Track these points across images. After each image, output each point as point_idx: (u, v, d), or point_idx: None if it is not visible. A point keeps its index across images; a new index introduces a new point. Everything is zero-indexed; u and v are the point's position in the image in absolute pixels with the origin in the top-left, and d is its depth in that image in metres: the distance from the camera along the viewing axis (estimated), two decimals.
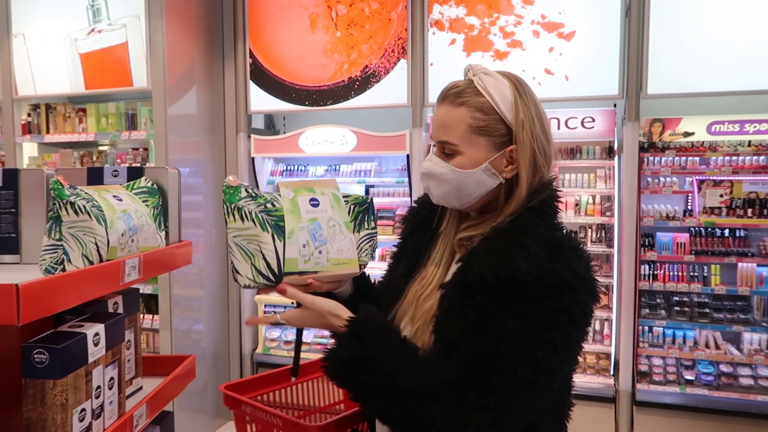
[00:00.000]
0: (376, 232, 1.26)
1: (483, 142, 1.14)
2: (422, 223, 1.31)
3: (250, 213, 1.13)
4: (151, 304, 3.96)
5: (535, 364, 1.00)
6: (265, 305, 4.32)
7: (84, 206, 1.14)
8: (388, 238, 4.05)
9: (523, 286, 1.02)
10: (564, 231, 1.13)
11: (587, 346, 3.78)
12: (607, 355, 3.78)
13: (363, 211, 1.25)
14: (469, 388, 1.00)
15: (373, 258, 1.28)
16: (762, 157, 3.51)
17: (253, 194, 1.16)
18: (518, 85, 1.16)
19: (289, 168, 4.46)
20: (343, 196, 1.24)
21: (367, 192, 4.27)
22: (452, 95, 1.15)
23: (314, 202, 1.19)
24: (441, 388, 1.02)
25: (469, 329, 1.04)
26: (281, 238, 1.13)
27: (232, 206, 1.13)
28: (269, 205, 1.15)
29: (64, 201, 1.13)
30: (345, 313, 1.14)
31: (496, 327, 1.02)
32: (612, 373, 3.73)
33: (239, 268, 1.14)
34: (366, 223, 1.24)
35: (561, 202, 1.18)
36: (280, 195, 1.18)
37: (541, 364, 1.00)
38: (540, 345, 1.00)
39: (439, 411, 1.01)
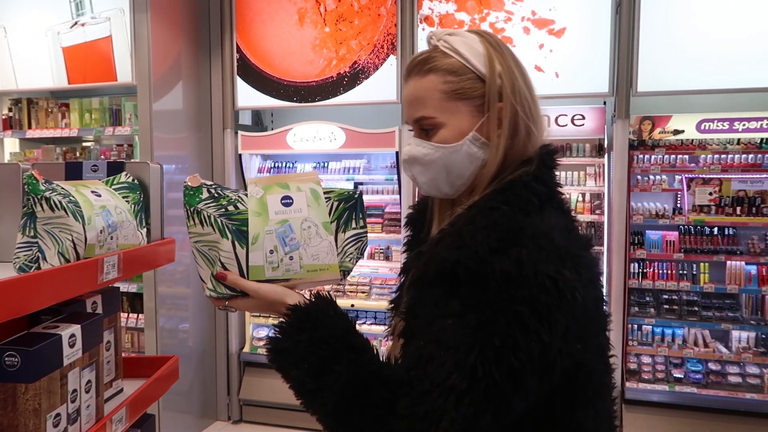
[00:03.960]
0: (366, 232, 1.10)
1: (463, 107, 0.98)
2: (415, 225, 1.19)
3: (209, 217, 1.02)
4: (135, 302, 3.90)
5: (468, 371, 0.83)
6: None
7: (60, 202, 1.09)
8: (377, 236, 4.02)
9: (461, 281, 0.88)
10: (543, 217, 0.92)
11: None
12: None
13: (350, 207, 1.09)
14: (401, 394, 0.88)
15: (361, 257, 1.12)
16: (751, 155, 3.51)
17: (216, 194, 1.05)
18: (489, 38, 1.02)
19: (277, 165, 4.41)
20: (325, 192, 1.09)
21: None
22: (418, 65, 1.01)
23: (287, 201, 1.06)
24: (376, 392, 0.90)
25: (418, 327, 0.94)
26: (243, 244, 1.02)
27: (192, 209, 1.03)
28: (231, 208, 1.04)
29: (39, 196, 1.08)
30: (292, 300, 1.00)
31: (436, 327, 0.89)
32: None
33: (202, 276, 1.04)
34: (354, 221, 1.09)
35: (548, 179, 0.98)
36: (246, 194, 1.06)
37: (477, 372, 0.83)
38: (475, 349, 0.83)
39: (368, 418, 0.90)
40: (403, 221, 1.22)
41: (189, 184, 1.06)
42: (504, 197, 0.94)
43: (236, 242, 1.02)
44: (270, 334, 1.00)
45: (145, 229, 1.37)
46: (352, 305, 3.93)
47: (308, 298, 1.01)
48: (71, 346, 1.04)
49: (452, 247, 0.91)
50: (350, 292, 4.07)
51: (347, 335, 0.95)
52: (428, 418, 0.84)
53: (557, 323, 0.83)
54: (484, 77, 0.98)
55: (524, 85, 1.01)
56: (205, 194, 1.05)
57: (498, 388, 0.83)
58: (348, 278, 1.28)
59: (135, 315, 3.86)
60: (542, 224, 0.90)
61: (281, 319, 0.99)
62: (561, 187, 1.02)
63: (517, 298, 0.83)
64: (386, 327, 1.21)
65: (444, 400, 0.83)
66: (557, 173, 1.01)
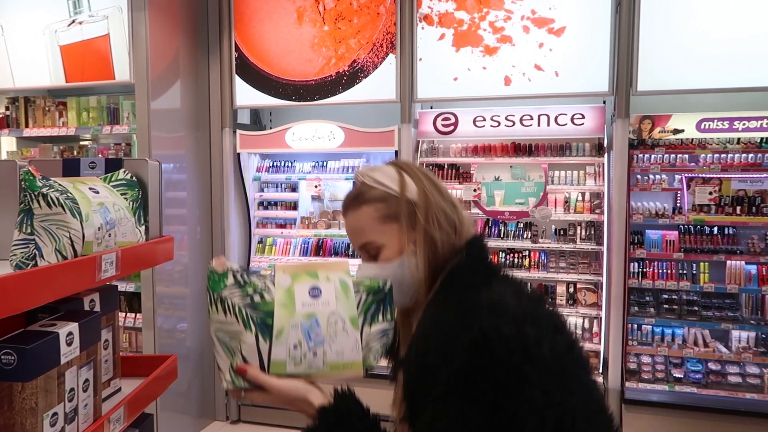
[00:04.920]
0: (392, 328, 1.07)
1: (396, 226, 1.11)
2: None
3: (234, 306, 0.98)
4: (133, 302, 3.88)
5: None
6: None
7: (57, 198, 1.07)
8: None
9: (439, 376, 0.94)
10: (492, 289, 1.01)
11: None
12: (596, 353, 3.76)
13: (378, 300, 1.05)
14: None
15: (384, 354, 1.09)
16: (751, 155, 3.50)
17: (242, 281, 1.01)
18: (401, 165, 1.18)
19: (275, 164, 4.39)
20: (355, 284, 1.05)
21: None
22: (351, 201, 1.16)
23: (315, 292, 1.02)
24: None
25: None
26: (267, 337, 0.98)
27: (215, 295, 0.99)
28: (257, 298, 0.99)
29: (36, 193, 1.06)
30: (317, 398, 1.00)
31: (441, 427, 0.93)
32: (601, 371, 3.72)
33: (221, 365, 1.00)
34: (381, 315, 1.05)
35: (483, 259, 1.09)
36: (273, 282, 1.02)
37: None
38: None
39: None
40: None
41: (215, 268, 1.01)
42: (450, 289, 1.05)
43: (260, 335, 0.98)
44: None
45: (143, 227, 1.36)
46: None
47: (332, 395, 1.01)
48: (68, 344, 1.03)
49: (421, 352, 0.99)
50: None
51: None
52: None
53: (533, 378, 0.88)
54: (403, 197, 1.12)
55: (438, 194, 1.15)
56: (231, 280, 1.00)
57: None
58: None
59: (133, 314, 3.84)
60: (493, 295, 0.98)
61: (309, 422, 1.00)
62: (498, 266, 1.12)
63: (490, 365, 0.88)
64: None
65: None
66: (489, 256, 1.12)
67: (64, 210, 1.08)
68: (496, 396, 0.87)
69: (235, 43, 4.11)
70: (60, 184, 1.12)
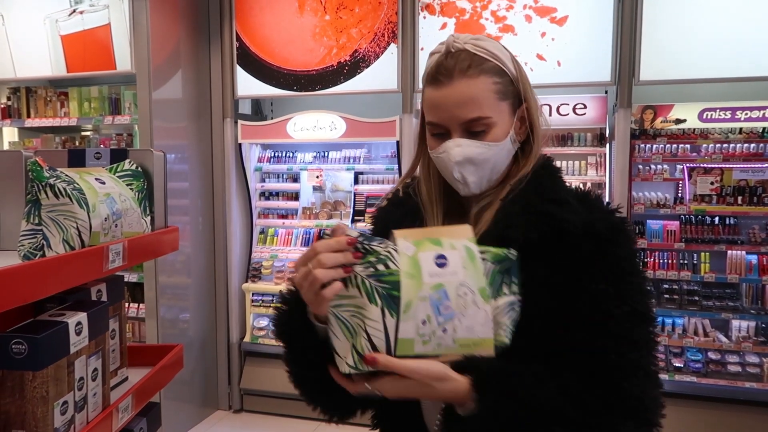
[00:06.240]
0: (519, 300, 0.93)
1: (506, 107, 1.03)
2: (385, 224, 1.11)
3: (356, 277, 0.86)
4: (136, 292, 3.90)
5: (639, 319, 0.93)
6: (253, 294, 4.27)
7: (64, 189, 1.08)
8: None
9: (581, 243, 0.95)
10: (576, 192, 1.04)
11: None
12: None
13: (503, 271, 0.92)
14: (607, 395, 0.89)
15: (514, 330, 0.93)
16: (752, 145, 3.50)
17: (363, 249, 0.88)
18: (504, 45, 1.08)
19: (276, 155, 4.39)
20: (480, 252, 0.91)
21: (356, 179, 4.22)
22: (463, 67, 1.00)
23: (441, 261, 0.89)
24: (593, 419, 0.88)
25: (553, 312, 0.93)
26: (394, 312, 0.85)
27: None
28: (381, 267, 0.86)
29: (43, 183, 1.07)
30: (457, 375, 0.88)
31: (581, 301, 0.93)
32: None
33: (338, 348, 0.88)
34: (506, 287, 0.91)
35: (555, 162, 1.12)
36: (396, 249, 0.89)
37: (636, 316, 0.93)
38: (630, 300, 0.93)
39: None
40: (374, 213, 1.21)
41: (328, 234, 0.90)
42: (550, 172, 1.04)
43: (386, 309, 0.85)
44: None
45: (149, 217, 1.37)
46: None
47: (472, 364, 0.89)
48: (78, 333, 1.04)
49: (564, 211, 0.96)
50: None
51: (541, 382, 0.90)
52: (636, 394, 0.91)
53: (638, 256, 1.08)
54: (514, 80, 1.04)
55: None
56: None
57: (652, 322, 0.96)
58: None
59: (135, 305, 3.85)
60: (588, 193, 1.03)
61: (466, 398, 0.88)
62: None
63: (623, 244, 0.96)
64: None
65: (637, 355, 0.92)
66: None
67: (72, 200, 1.09)
68: (641, 281, 0.96)
69: (236, 33, 4.10)
70: (67, 175, 1.13)
